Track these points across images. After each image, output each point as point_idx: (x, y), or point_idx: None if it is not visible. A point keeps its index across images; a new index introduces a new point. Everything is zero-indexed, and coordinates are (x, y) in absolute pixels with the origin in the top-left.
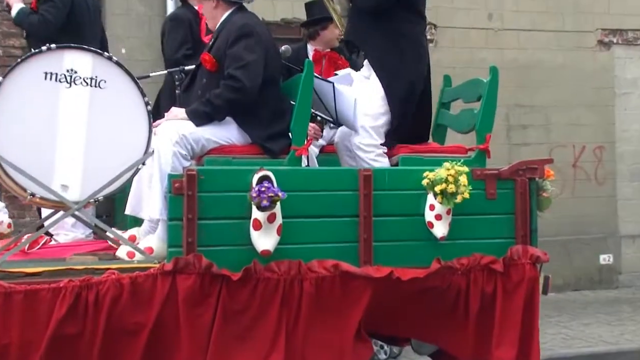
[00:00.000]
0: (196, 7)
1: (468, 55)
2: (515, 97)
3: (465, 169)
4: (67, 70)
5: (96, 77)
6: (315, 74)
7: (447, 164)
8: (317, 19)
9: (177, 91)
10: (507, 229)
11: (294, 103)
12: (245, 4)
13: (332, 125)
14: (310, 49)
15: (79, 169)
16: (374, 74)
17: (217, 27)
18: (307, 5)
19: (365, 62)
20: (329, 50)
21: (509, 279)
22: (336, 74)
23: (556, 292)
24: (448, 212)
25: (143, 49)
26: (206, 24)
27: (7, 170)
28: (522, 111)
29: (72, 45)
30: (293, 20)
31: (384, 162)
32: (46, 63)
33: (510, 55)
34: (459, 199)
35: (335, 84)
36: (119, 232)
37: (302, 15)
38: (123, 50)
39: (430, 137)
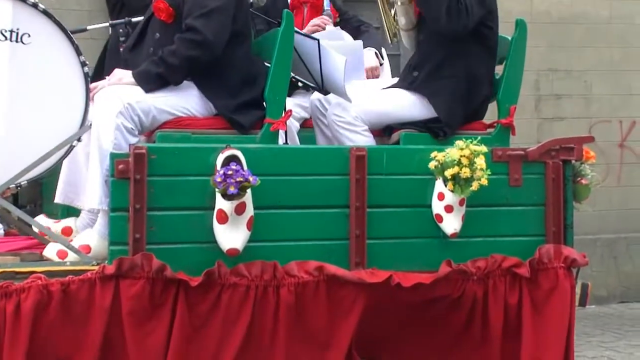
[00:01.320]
0: None
1: None
2: (548, 59)
3: (484, 148)
4: None
5: (17, 29)
6: (296, 29)
7: (460, 143)
8: None
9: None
10: (535, 224)
11: (268, 65)
12: None
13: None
14: None
15: None
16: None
17: None
18: None
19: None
20: None
21: (538, 287)
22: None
23: (598, 304)
24: (461, 203)
25: None
26: None
27: None
28: (556, 77)
29: None
30: None
31: (368, 139)
32: None
33: (542, 5)
34: (474, 186)
35: (320, 41)
36: (47, 225)
37: None
38: None
39: None
